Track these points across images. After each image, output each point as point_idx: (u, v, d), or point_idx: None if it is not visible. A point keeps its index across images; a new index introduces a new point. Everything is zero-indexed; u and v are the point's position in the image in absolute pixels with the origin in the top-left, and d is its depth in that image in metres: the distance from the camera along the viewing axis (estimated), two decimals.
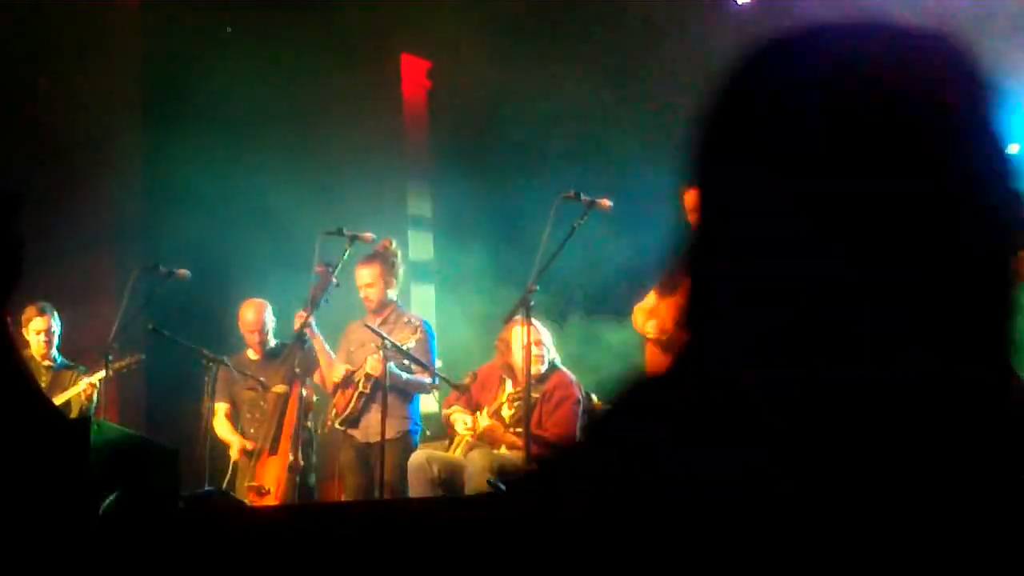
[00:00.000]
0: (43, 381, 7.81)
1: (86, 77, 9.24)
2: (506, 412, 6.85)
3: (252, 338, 7.81)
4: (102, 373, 7.54)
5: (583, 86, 9.26)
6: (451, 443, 7.06)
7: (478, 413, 6.87)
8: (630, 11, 9.02)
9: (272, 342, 7.85)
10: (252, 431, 7.65)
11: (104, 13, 9.18)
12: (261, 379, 7.63)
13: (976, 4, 7.89)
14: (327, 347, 7.48)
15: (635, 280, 7.65)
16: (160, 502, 5.06)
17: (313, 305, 7.11)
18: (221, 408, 7.73)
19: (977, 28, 7.92)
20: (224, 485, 7.35)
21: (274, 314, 7.87)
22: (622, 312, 7.00)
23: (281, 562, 4.23)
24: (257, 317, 7.80)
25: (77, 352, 8.08)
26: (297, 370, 7.40)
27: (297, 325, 7.19)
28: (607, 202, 6.27)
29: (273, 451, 7.46)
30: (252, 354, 7.86)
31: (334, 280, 7.06)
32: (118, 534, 4.42)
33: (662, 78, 9.21)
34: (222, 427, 7.72)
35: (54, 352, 7.89)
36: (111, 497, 4.91)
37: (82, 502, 4.54)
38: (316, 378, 7.61)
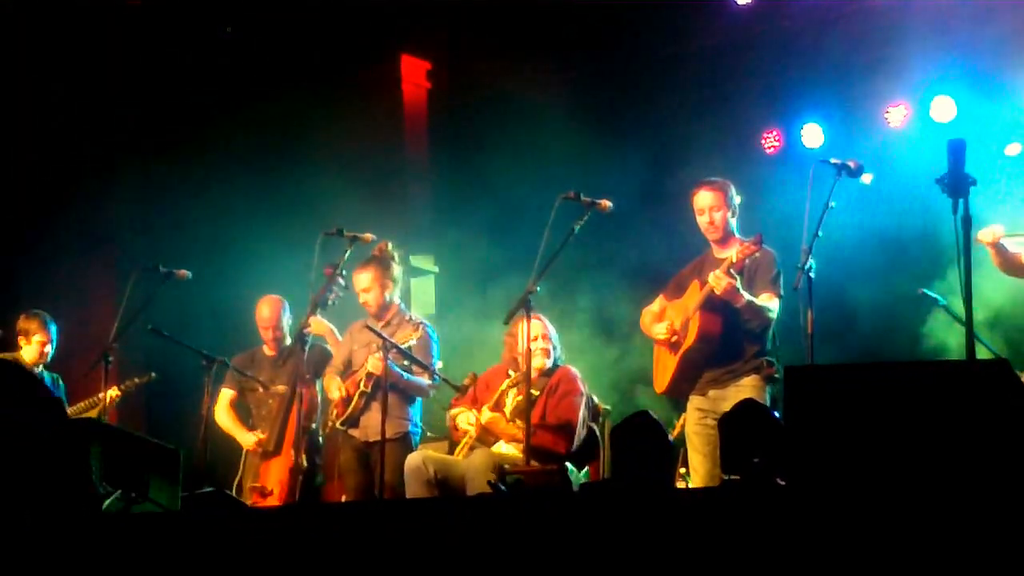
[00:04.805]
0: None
1: (87, 75, 9.24)
2: (508, 405, 6.84)
3: (267, 334, 7.75)
4: (114, 391, 7.54)
5: (582, 87, 9.27)
6: (452, 445, 7.05)
7: (484, 408, 6.86)
8: (628, 12, 9.02)
9: (288, 340, 7.75)
10: (260, 428, 7.62)
11: (104, 12, 9.18)
12: (260, 380, 7.61)
13: (976, 3, 7.88)
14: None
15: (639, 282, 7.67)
16: (161, 502, 5.07)
17: (319, 306, 7.02)
18: (227, 395, 7.69)
19: (978, 27, 7.94)
20: (236, 483, 7.40)
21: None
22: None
23: (279, 562, 4.23)
24: (272, 313, 7.74)
25: (78, 353, 8.08)
26: (305, 372, 7.34)
27: (309, 327, 7.06)
28: (607, 203, 6.25)
29: (276, 452, 7.45)
30: (267, 350, 7.81)
31: (341, 281, 6.98)
32: (119, 533, 4.43)
33: (662, 78, 9.21)
34: (224, 416, 7.65)
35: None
36: (113, 497, 4.92)
37: (84, 501, 4.54)
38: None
